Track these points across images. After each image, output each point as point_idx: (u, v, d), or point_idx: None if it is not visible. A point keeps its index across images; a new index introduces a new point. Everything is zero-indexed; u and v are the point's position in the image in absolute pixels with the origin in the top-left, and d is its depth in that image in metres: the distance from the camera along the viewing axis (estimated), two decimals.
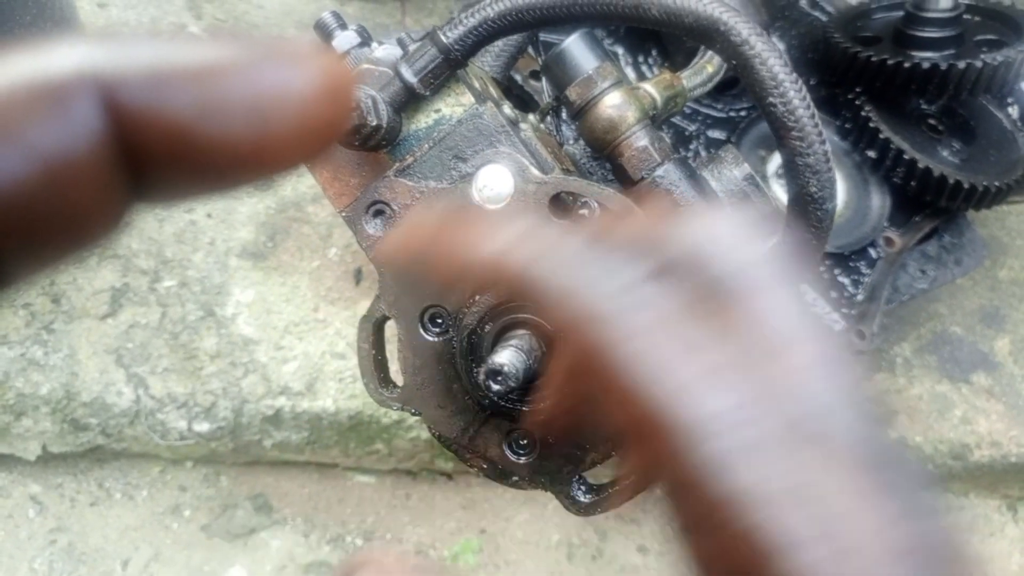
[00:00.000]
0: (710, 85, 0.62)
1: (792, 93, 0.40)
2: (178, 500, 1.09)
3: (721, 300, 0.27)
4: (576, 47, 0.55)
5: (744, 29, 0.40)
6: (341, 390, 0.98)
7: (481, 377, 0.42)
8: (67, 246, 0.16)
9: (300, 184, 1.10)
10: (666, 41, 0.92)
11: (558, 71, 0.57)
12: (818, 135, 0.40)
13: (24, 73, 0.14)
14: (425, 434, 1.01)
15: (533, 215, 0.26)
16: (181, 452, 1.05)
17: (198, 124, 0.15)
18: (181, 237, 1.06)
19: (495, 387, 0.41)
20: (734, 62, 0.41)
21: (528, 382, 0.44)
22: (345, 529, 1.09)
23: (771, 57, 0.40)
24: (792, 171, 0.41)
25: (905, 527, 0.23)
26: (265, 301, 1.02)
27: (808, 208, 0.41)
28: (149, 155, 0.15)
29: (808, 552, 0.22)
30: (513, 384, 0.41)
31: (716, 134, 0.96)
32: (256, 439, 1.00)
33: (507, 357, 0.42)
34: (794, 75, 0.40)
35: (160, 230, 1.07)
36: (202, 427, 0.98)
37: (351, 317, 1.01)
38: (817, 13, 1.06)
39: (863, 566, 0.22)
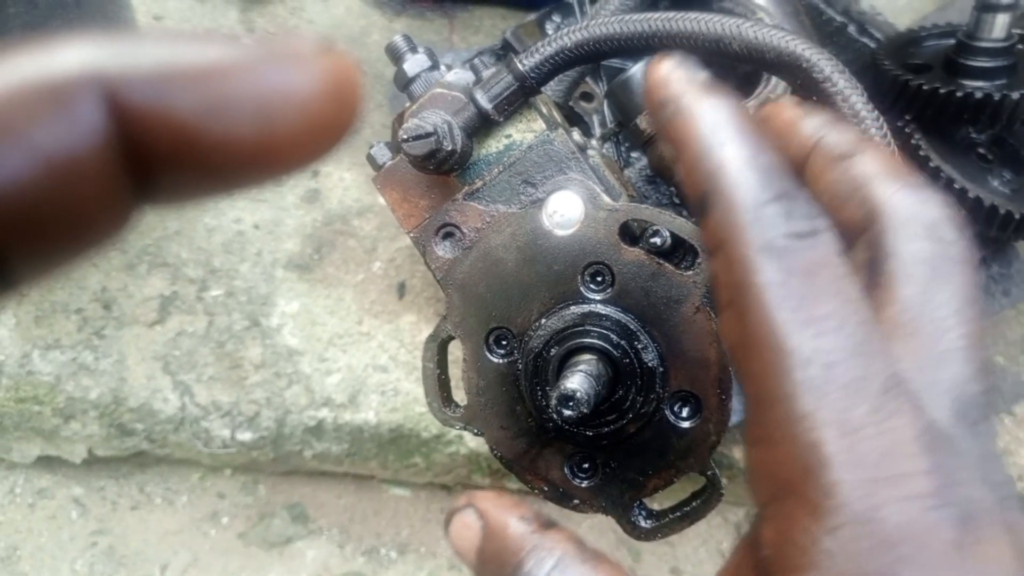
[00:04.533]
0: None
1: (874, 130, 0.40)
2: (217, 507, 1.10)
3: (888, 273, 0.30)
4: (643, 74, 0.56)
5: (827, 66, 0.40)
6: (383, 403, 0.99)
7: (553, 402, 0.42)
8: (72, 246, 0.15)
9: (346, 197, 1.12)
10: (718, 67, 0.92)
11: (624, 98, 0.57)
12: None
13: (29, 73, 0.14)
14: (463, 450, 1.01)
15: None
16: (221, 460, 1.07)
17: (203, 124, 0.15)
18: (229, 247, 1.08)
19: (567, 412, 0.42)
20: (815, 97, 0.41)
21: (595, 407, 0.45)
22: (380, 541, 1.10)
23: (853, 94, 0.40)
24: None
25: (946, 495, 0.25)
26: (310, 313, 1.03)
27: None
28: (154, 155, 0.15)
29: (844, 477, 0.25)
30: (585, 410, 0.42)
31: None
32: (297, 449, 1.01)
33: (579, 382, 0.43)
34: (876, 112, 0.40)
35: (209, 240, 1.08)
36: (245, 436, 1.00)
37: (394, 330, 1.02)
38: (866, 39, 1.06)
39: (890, 505, 0.25)
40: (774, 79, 0.65)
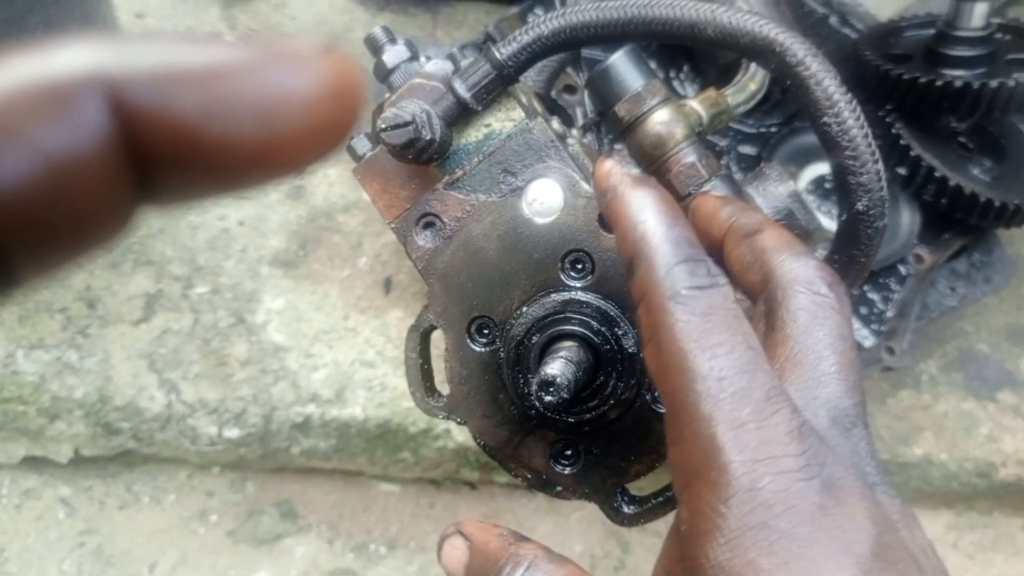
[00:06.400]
0: (753, 102, 0.62)
1: (846, 113, 0.40)
2: (205, 505, 1.10)
3: (779, 319, 0.39)
4: (622, 64, 0.56)
5: (800, 50, 0.41)
6: (370, 399, 0.99)
7: (533, 388, 0.42)
8: (74, 246, 0.16)
9: (331, 194, 1.12)
10: (699, 57, 0.93)
11: (603, 87, 0.58)
12: (871, 154, 0.40)
13: (31, 74, 0.14)
14: (452, 444, 1.01)
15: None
16: (209, 458, 1.06)
17: (204, 125, 0.15)
18: (214, 244, 1.08)
19: (547, 398, 0.42)
20: (788, 81, 0.41)
21: (576, 393, 0.45)
22: (369, 537, 1.10)
23: (826, 77, 0.41)
24: (844, 189, 0.42)
25: (813, 471, 0.33)
26: (295, 309, 1.03)
27: (859, 227, 0.42)
28: (155, 156, 0.15)
29: (733, 459, 0.32)
30: (565, 395, 0.42)
31: (747, 149, 0.97)
32: (284, 446, 1.01)
33: (559, 368, 0.43)
34: (849, 95, 0.40)
35: (193, 237, 1.08)
36: (232, 433, 0.99)
37: (380, 326, 1.02)
38: (847, 30, 1.06)
39: (767, 478, 0.32)
40: (752, 67, 0.65)
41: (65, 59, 0.15)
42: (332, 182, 1.13)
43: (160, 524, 1.08)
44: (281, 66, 0.16)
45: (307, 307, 1.03)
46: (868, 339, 0.83)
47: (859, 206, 0.41)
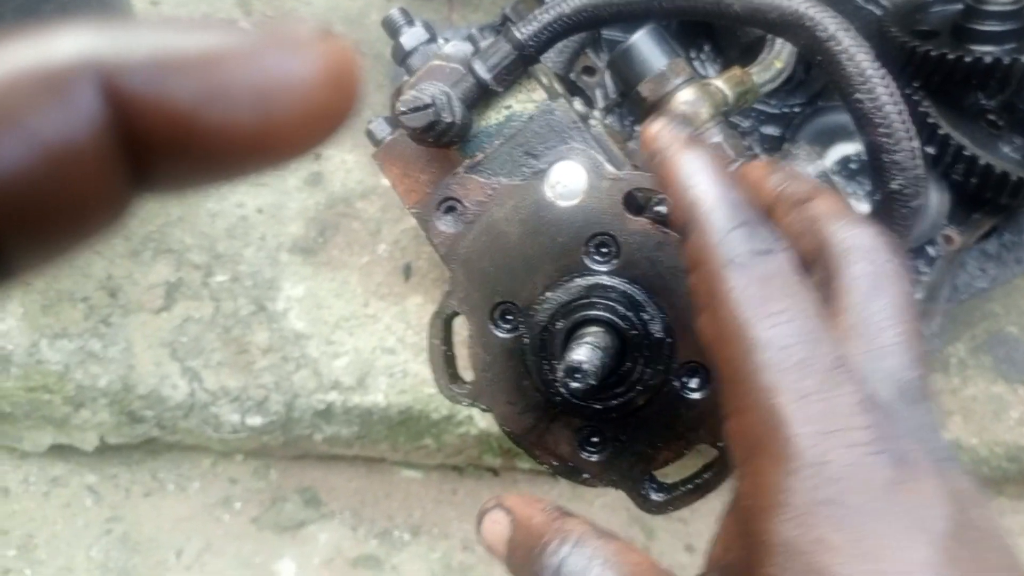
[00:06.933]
0: (779, 81, 0.61)
1: (880, 89, 0.39)
2: (229, 492, 1.11)
3: (836, 289, 0.37)
4: (644, 43, 0.55)
5: (831, 24, 0.39)
6: (392, 385, 0.98)
7: (560, 374, 0.42)
8: (70, 235, 0.15)
9: (349, 179, 1.11)
10: (720, 36, 0.91)
11: (625, 67, 0.56)
12: (906, 131, 0.39)
13: (25, 60, 0.14)
14: (474, 430, 1.01)
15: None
16: (232, 445, 1.07)
17: (200, 111, 0.15)
18: (232, 232, 1.07)
19: (574, 384, 0.41)
20: (819, 58, 0.40)
21: (603, 379, 0.44)
22: (392, 523, 1.10)
23: (858, 52, 0.39)
24: (877, 168, 0.41)
25: (883, 444, 0.31)
26: (315, 296, 1.03)
27: (893, 207, 0.41)
28: (151, 143, 0.15)
29: (798, 432, 0.31)
30: (592, 382, 0.41)
31: (770, 130, 0.95)
32: (307, 433, 1.01)
33: (585, 354, 0.42)
34: (883, 70, 0.39)
35: (212, 225, 1.08)
36: (255, 421, 1.00)
37: (401, 312, 1.02)
38: (872, 7, 1.04)
39: (836, 451, 0.31)
40: (778, 43, 0.63)
41: (59, 46, 0.15)
42: (350, 168, 1.12)
43: (185, 511, 1.09)
44: (278, 51, 0.16)
45: (327, 294, 1.03)
46: None
47: (894, 185, 0.40)
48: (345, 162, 1.12)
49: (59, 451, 1.08)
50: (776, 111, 0.97)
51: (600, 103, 0.87)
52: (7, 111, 0.14)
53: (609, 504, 1.12)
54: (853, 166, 0.94)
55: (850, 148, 0.94)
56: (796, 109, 0.97)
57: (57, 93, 0.14)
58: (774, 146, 0.96)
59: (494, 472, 1.13)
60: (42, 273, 0.16)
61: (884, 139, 0.39)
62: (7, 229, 0.14)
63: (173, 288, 1.04)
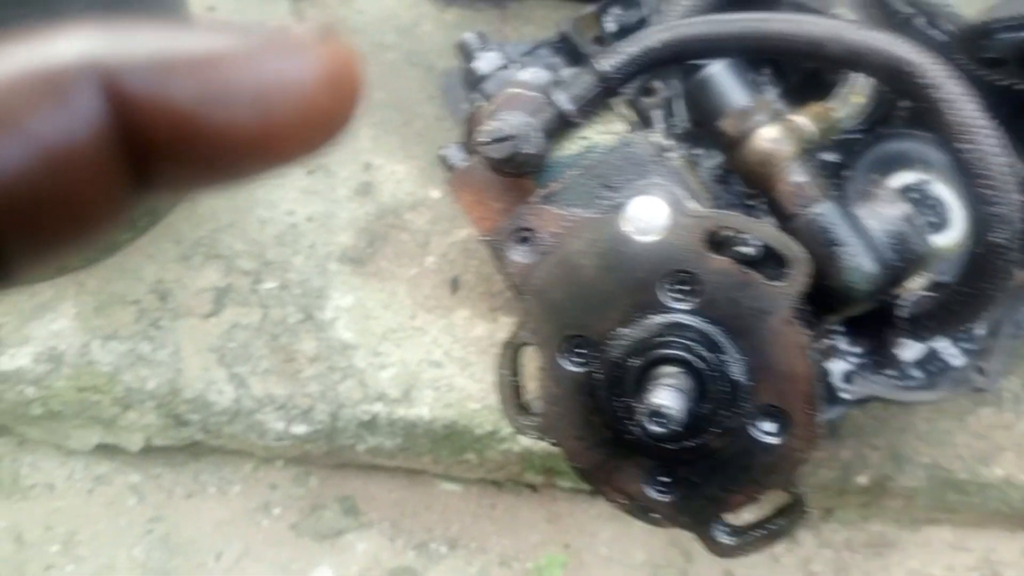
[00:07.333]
0: (861, 117, 0.60)
1: (984, 140, 0.38)
2: (269, 498, 1.11)
3: None
4: (723, 76, 0.54)
5: (934, 71, 0.38)
6: (437, 399, 0.98)
7: (641, 416, 0.41)
8: (70, 236, 0.15)
9: (399, 191, 1.11)
10: (782, 63, 0.90)
11: (702, 98, 0.56)
12: (1012, 184, 0.38)
13: (26, 62, 0.14)
14: (517, 447, 1.00)
15: None
16: (274, 451, 1.07)
17: (200, 113, 0.15)
18: (282, 240, 1.08)
19: (656, 429, 0.41)
20: (922, 104, 0.39)
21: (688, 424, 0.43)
22: (430, 536, 1.10)
23: (962, 101, 0.38)
24: (978, 219, 0.39)
25: None
26: (363, 307, 1.03)
27: (992, 260, 0.40)
28: (152, 144, 0.15)
29: None
30: (676, 428, 0.40)
31: (830, 157, 0.93)
32: (350, 444, 1.02)
33: (668, 398, 0.41)
34: (989, 120, 0.38)
35: (262, 232, 1.08)
36: (299, 429, 1.00)
37: (448, 325, 1.02)
38: (935, 32, 1.02)
39: None
40: (855, 79, 0.62)
41: (60, 47, 0.15)
42: (400, 179, 1.12)
43: (225, 515, 1.10)
44: (279, 53, 0.16)
45: (375, 305, 1.03)
46: (957, 358, 0.80)
47: (995, 239, 0.38)
48: (395, 173, 1.13)
49: (104, 450, 1.09)
50: (835, 137, 0.95)
51: (660, 124, 0.86)
52: (7, 113, 0.14)
53: (648, 526, 1.11)
54: (915, 195, 0.92)
55: (910, 176, 0.92)
56: (856, 136, 0.95)
57: (57, 95, 0.14)
58: (833, 173, 0.94)
59: (533, 488, 1.12)
60: (42, 273, 0.16)
61: (987, 191, 0.38)
62: (7, 229, 0.14)
63: (222, 294, 1.04)
